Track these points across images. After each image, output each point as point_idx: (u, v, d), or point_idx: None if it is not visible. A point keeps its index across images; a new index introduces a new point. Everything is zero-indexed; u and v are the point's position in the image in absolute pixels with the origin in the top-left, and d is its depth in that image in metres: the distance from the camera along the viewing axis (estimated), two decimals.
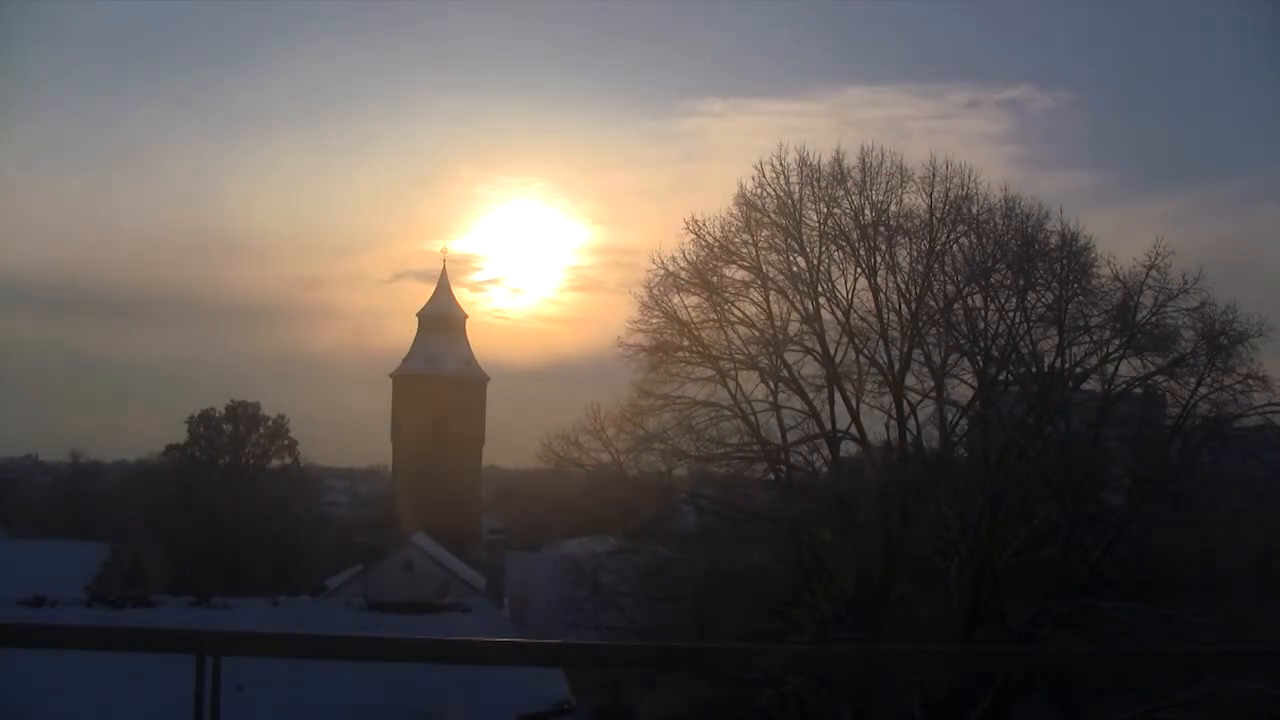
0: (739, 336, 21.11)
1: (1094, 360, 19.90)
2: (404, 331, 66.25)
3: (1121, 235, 75.85)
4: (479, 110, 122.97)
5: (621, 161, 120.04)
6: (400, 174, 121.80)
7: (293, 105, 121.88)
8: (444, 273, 64.97)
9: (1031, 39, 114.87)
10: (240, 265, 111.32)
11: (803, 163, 20.99)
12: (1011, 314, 19.99)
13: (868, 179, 20.64)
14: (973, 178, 20.66)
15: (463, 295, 66.56)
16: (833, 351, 20.38)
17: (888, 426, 20.46)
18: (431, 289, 64.46)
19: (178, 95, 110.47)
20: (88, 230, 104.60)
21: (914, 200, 20.65)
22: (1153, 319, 19.28)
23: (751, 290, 21.16)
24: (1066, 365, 19.96)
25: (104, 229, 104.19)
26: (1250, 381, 18.72)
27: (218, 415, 55.00)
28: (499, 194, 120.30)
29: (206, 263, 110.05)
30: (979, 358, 20.08)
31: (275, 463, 56.04)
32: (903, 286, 20.37)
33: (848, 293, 20.62)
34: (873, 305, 20.35)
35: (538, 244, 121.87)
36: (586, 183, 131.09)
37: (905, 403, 20.21)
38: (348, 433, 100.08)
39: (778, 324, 20.90)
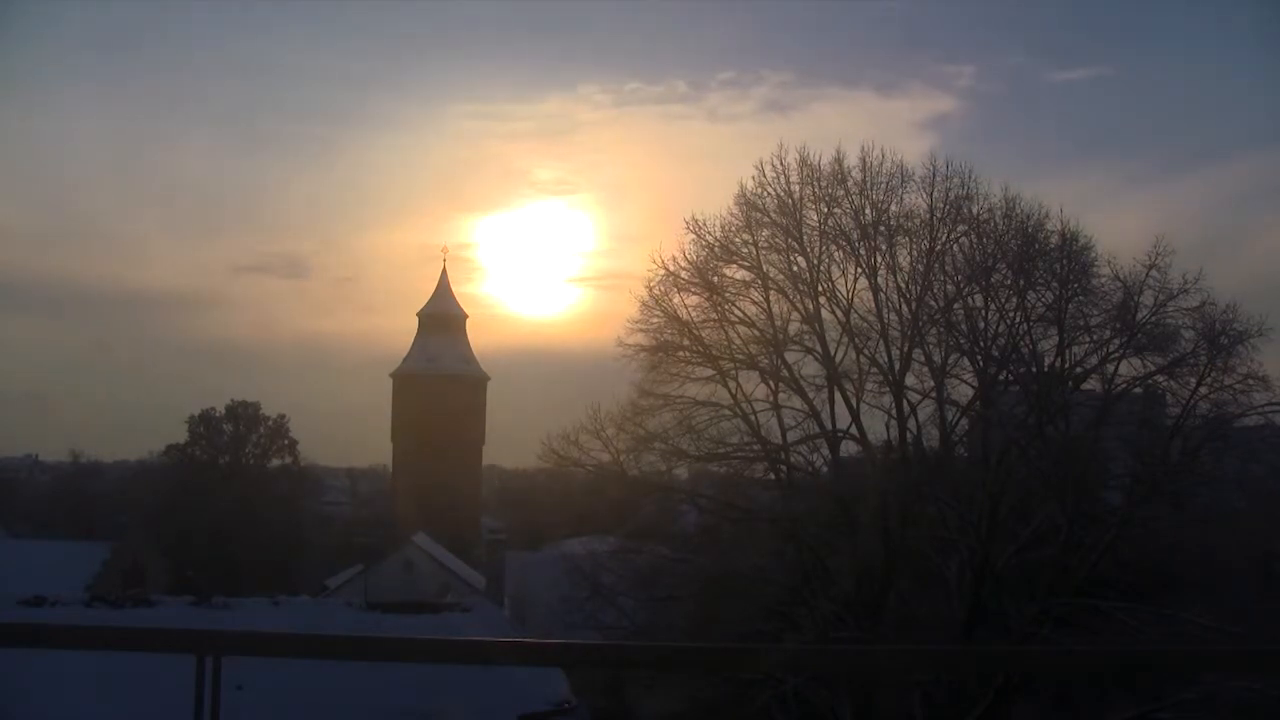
0: (739, 336, 21.13)
1: (1094, 360, 19.89)
2: (403, 331, 66.39)
3: None
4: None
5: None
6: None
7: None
8: (444, 272, 65.19)
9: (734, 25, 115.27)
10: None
11: (803, 163, 21.05)
12: (1011, 314, 19.98)
13: (868, 179, 20.69)
14: (973, 178, 20.73)
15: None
16: (833, 351, 20.38)
17: (888, 426, 20.48)
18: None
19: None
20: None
21: (914, 200, 20.70)
22: (1153, 319, 19.26)
23: (752, 290, 21.18)
24: (1066, 365, 19.95)
25: None
26: (1250, 381, 18.66)
27: (218, 415, 55.07)
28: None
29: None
30: (979, 358, 20.08)
31: (275, 462, 56.18)
32: (903, 286, 20.38)
33: (848, 292, 20.64)
34: (873, 305, 20.35)
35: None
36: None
37: (905, 403, 20.19)
38: (348, 433, 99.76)
39: (778, 324, 20.93)
